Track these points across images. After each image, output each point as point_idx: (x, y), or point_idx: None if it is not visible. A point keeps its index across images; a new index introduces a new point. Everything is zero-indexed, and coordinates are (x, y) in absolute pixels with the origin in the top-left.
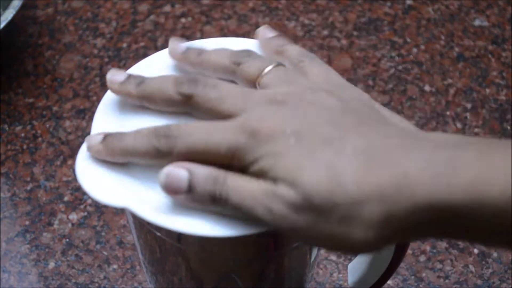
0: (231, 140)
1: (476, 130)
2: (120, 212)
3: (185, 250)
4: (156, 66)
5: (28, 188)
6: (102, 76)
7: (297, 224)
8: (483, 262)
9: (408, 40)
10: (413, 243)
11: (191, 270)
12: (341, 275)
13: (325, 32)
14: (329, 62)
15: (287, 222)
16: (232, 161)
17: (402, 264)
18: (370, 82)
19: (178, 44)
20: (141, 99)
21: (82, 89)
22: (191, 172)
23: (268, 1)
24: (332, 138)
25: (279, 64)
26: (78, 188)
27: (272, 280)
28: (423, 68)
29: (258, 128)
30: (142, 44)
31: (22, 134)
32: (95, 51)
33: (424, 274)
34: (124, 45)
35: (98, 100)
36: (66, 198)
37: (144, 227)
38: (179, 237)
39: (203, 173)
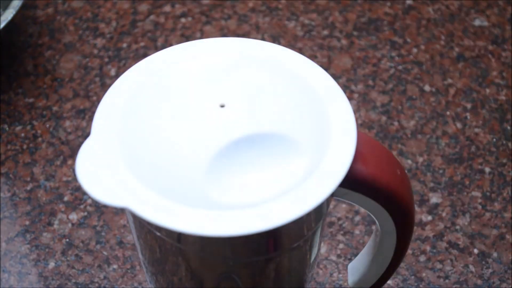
0: None
1: (476, 130)
2: (120, 212)
3: (185, 250)
4: (156, 66)
5: (28, 188)
6: (102, 76)
7: None
8: (483, 262)
9: (408, 40)
10: (413, 243)
11: (191, 270)
12: (341, 275)
13: (325, 32)
14: (329, 62)
15: None
16: None
17: (402, 264)
18: (370, 82)
19: None
20: None
21: (82, 89)
22: None
23: (268, 1)
24: None
25: None
26: (78, 188)
27: (272, 280)
28: (423, 68)
29: None
30: (142, 44)
31: (22, 134)
32: (95, 51)
33: (424, 274)
34: (124, 45)
35: (98, 100)
36: (66, 198)
37: (144, 227)
38: (179, 237)
39: None
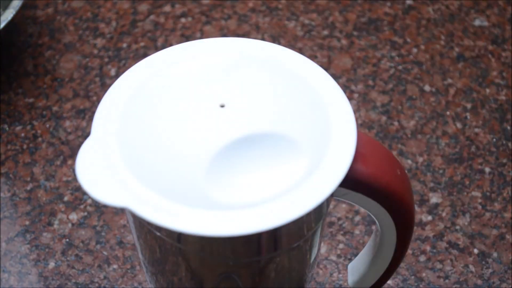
0: None
1: (476, 130)
2: (120, 212)
3: (185, 250)
4: (156, 66)
5: (28, 188)
6: (102, 76)
7: None
8: (483, 262)
9: (408, 40)
10: (413, 243)
11: (191, 270)
12: (341, 275)
13: (325, 32)
14: (329, 62)
15: None
16: None
17: (402, 264)
18: (370, 82)
19: None
20: None
21: (82, 89)
22: None
23: (268, 1)
24: None
25: None
26: (78, 188)
27: (272, 280)
28: (423, 68)
29: None
30: (142, 44)
31: (22, 134)
32: (95, 51)
33: (424, 274)
34: (124, 45)
35: (98, 100)
36: (66, 198)
37: (144, 227)
38: (179, 237)
39: None
